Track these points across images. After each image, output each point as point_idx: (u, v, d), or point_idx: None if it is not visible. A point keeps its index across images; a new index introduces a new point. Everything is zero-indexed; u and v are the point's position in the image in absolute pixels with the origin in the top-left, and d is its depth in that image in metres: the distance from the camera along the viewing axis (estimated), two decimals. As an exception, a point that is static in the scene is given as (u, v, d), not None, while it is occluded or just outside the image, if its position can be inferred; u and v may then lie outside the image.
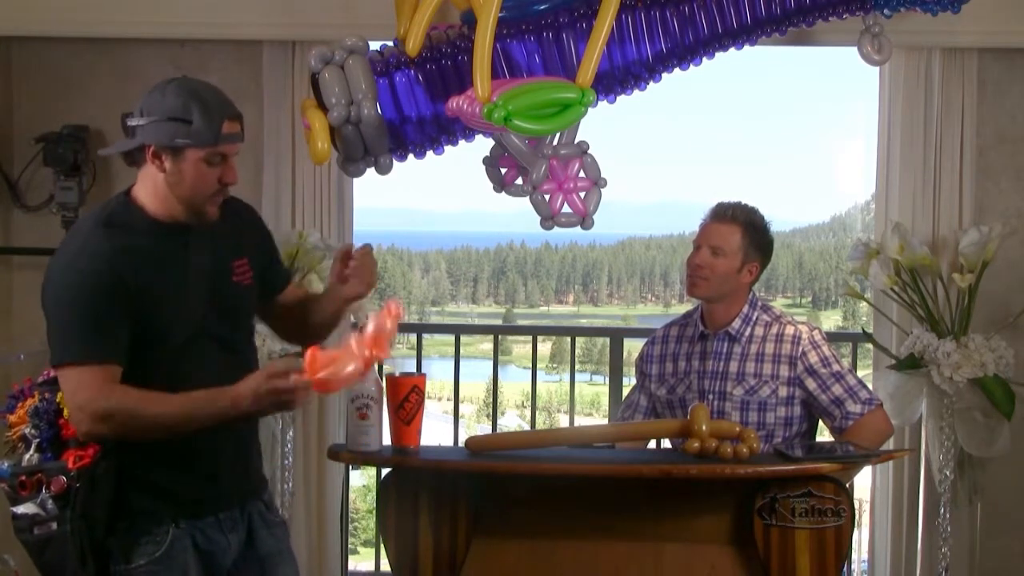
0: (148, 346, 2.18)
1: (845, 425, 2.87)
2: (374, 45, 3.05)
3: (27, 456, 2.26)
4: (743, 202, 3.01)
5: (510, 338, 16.77)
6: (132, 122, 2.19)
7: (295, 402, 2.11)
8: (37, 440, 2.27)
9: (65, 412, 2.23)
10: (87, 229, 2.21)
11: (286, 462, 3.65)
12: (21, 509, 2.23)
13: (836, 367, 2.92)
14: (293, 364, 2.09)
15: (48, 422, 2.28)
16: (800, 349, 2.91)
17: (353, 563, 4.55)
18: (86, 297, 2.12)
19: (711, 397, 2.93)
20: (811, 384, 2.90)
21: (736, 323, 2.96)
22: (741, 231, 2.94)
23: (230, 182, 2.24)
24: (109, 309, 2.12)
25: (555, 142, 3.03)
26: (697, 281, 2.94)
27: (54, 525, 2.22)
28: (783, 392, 2.90)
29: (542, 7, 2.97)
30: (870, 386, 3.05)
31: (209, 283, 2.28)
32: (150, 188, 2.23)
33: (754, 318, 2.97)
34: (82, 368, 2.10)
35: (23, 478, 2.22)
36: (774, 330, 2.95)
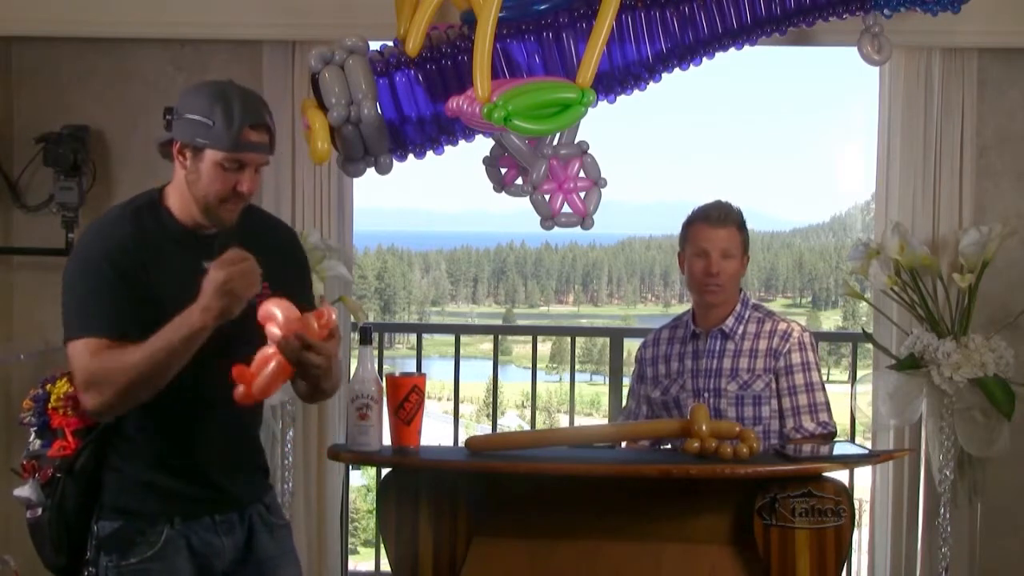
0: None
1: (793, 436, 2.89)
2: (374, 45, 3.05)
3: (30, 440, 2.34)
4: (722, 201, 3.02)
5: (510, 338, 16.85)
6: (168, 116, 2.23)
7: (247, 287, 2.08)
8: (35, 428, 2.35)
9: (52, 399, 2.32)
10: (113, 214, 2.26)
11: (286, 462, 3.65)
12: (20, 492, 2.31)
13: (814, 376, 2.93)
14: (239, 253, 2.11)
15: (39, 411, 2.36)
16: (787, 346, 2.93)
17: (353, 563, 4.55)
18: (87, 276, 2.16)
19: (706, 395, 2.93)
20: (782, 383, 2.92)
21: (730, 321, 2.97)
22: (738, 232, 2.97)
23: (244, 191, 2.21)
24: (106, 286, 2.14)
25: (555, 142, 3.02)
26: (713, 288, 2.94)
27: (40, 511, 2.29)
28: (775, 384, 2.91)
29: (542, 7, 2.97)
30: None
31: None
32: (177, 185, 2.26)
33: (747, 316, 2.98)
34: (75, 342, 2.14)
35: (24, 462, 2.31)
36: (767, 326, 2.97)
